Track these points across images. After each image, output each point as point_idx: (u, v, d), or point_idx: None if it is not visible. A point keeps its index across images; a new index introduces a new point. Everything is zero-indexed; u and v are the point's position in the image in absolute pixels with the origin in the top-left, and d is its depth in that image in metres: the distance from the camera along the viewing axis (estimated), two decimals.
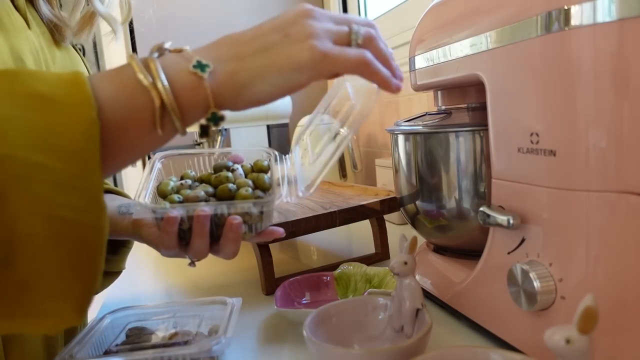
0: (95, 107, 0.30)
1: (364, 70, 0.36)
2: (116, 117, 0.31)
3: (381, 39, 0.39)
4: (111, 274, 0.64)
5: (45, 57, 0.51)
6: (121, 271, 0.65)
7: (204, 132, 0.36)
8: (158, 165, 0.51)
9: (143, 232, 0.47)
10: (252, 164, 0.53)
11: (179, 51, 0.35)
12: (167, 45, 0.35)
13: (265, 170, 0.51)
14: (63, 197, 0.28)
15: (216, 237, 0.45)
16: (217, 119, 0.35)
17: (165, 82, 0.32)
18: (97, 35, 0.60)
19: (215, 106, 0.34)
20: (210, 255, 0.47)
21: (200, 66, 0.33)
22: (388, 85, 0.37)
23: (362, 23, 0.38)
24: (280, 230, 0.50)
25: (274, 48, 0.34)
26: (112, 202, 0.57)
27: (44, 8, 0.54)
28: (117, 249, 0.63)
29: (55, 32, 0.55)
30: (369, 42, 0.37)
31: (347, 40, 0.36)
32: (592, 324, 0.25)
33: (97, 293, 0.61)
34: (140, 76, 0.32)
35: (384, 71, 0.37)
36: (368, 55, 0.36)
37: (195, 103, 0.33)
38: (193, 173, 0.52)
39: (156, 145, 0.34)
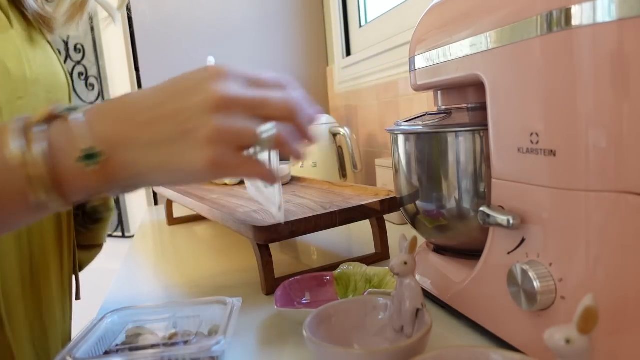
0: None
1: (258, 178, 0.35)
2: None
3: (302, 109, 0.36)
4: (92, 248, 0.62)
5: (27, 57, 0.49)
6: (102, 245, 0.63)
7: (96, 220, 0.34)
8: None
9: None
10: None
11: (66, 120, 0.32)
12: (59, 111, 0.33)
13: None
14: None
15: None
16: (109, 210, 0.34)
17: (44, 172, 0.30)
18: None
19: (105, 188, 0.32)
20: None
21: (90, 156, 0.31)
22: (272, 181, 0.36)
23: (280, 107, 0.34)
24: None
25: (170, 145, 0.32)
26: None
27: (30, 1, 0.51)
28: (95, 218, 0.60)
29: (43, 25, 0.53)
30: (278, 145, 0.34)
31: (251, 145, 0.34)
32: (592, 324, 0.25)
33: (81, 269, 0.58)
34: (16, 167, 0.29)
35: (277, 180, 0.36)
36: (263, 171, 0.35)
37: (81, 189, 0.32)
38: None
39: (38, 218, 0.32)
